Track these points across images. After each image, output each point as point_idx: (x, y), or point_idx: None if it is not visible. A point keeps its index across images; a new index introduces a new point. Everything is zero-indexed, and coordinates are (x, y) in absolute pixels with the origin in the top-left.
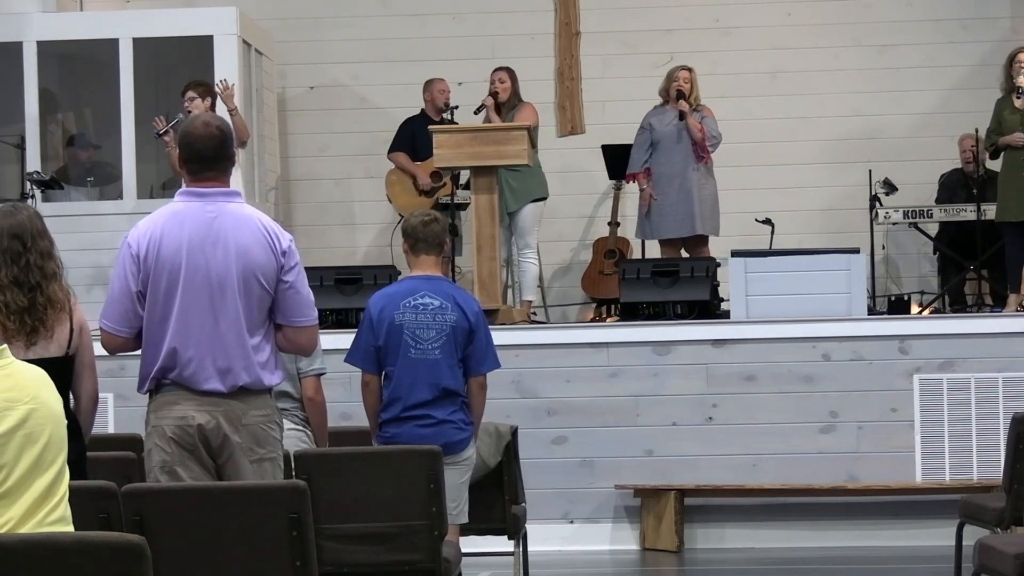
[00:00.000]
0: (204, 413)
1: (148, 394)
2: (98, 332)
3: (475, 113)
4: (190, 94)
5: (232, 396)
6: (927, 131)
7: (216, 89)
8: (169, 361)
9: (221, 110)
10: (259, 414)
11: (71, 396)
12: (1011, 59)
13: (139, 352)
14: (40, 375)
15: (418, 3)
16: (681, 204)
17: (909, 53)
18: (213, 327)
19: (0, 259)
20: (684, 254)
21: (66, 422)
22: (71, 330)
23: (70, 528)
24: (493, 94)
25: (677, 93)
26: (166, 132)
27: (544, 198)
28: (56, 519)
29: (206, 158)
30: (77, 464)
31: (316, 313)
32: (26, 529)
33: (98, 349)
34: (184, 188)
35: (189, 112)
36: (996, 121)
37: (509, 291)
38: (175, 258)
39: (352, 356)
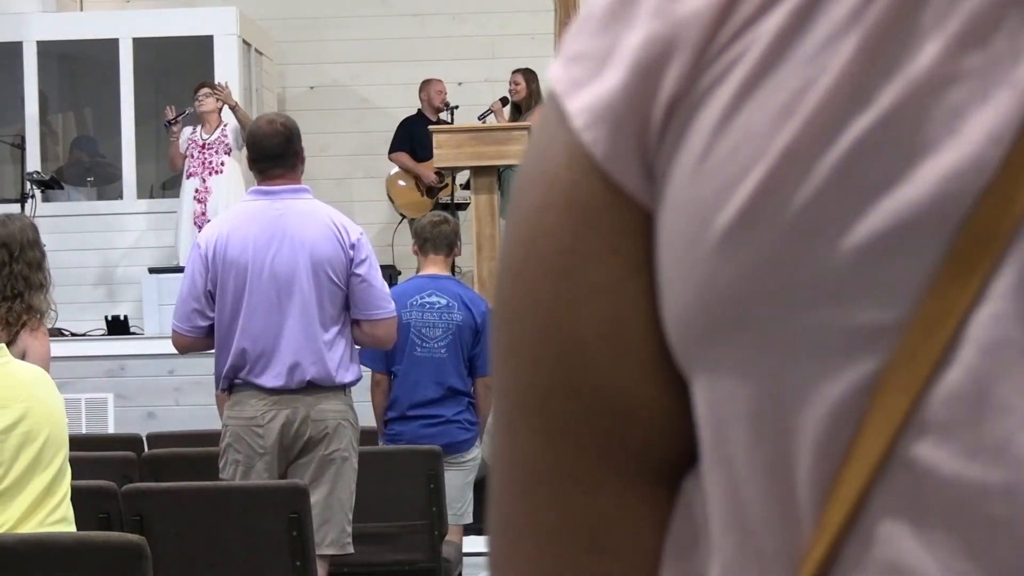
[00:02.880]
0: (274, 410)
1: (224, 392)
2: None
3: (480, 119)
4: (204, 91)
5: (302, 392)
6: None
7: (215, 92)
8: (239, 360)
9: (225, 109)
10: (331, 410)
11: None
12: None
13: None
14: (38, 373)
15: (418, 3)
16: None
17: None
18: (280, 324)
19: None
20: None
21: (66, 422)
22: (8, 344)
23: (72, 529)
24: (504, 98)
25: None
26: (175, 121)
27: None
28: (57, 519)
29: (273, 155)
30: None
31: (393, 305)
32: (26, 529)
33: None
34: (253, 187)
35: (200, 105)
36: None
37: None
38: (241, 257)
39: (361, 355)
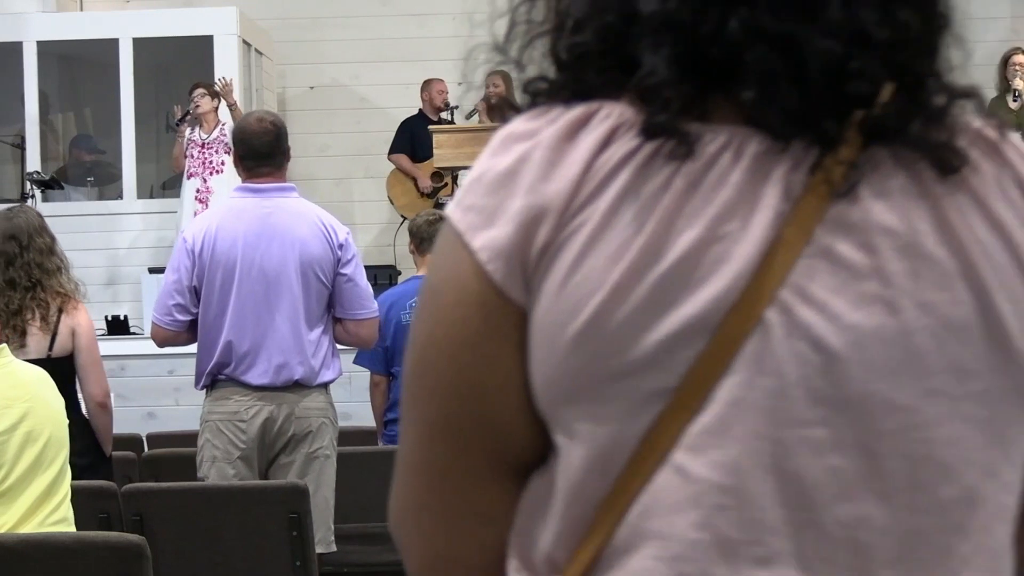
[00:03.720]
0: (257, 407)
1: (204, 390)
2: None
3: (467, 118)
4: (200, 90)
5: (286, 390)
6: None
7: (216, 87)
8: (225, 356)
9: (222, 108)
10: (315, 408)
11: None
12: (1005, 60)
13: (161, 350)
14: (40, 374)
15: (418, 3)
16: None
17: None
18: (269, 322)
19: None
20: None
21: (67, 422)
22: (54, 332)
23: (72, 529)
24: (486, 98)
25: None
26: (183, 120)
27: None
28: (58, 520)
29: (262, 154)
30: (93, 468)
31: (376, 305)
32: (27, 529)
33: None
34: (240, 185)
35: (197, 107)
36: None
37: None
38: (230, 253)
39: (360, 357)
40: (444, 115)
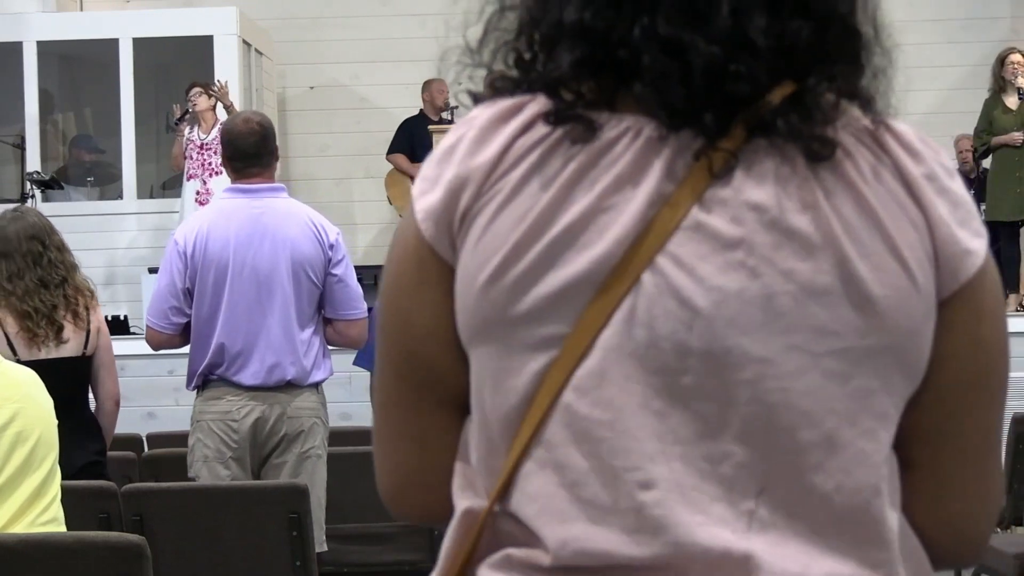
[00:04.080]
0: (249, 406)
1: (196, 390)
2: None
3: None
4: (196, 89)
5: (278, 390)
6: (927, 131)
7: (213, 89)
8: (217, 357)
9: (220, 109)
10: (306, 408)
11: (93, 398)
12: (1001, 60)
13: (183, 350)
14: (30, 375)
15: (418, 3)
16: None
17: (909, 53)
18: (261, 322)
19: (22, 263)
20: None
21: (56, 423)
22: (88, 330)
23: (62, 529)
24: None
25: None
26: (182, 119)
27: None
28: (48, 520)
29: (249, 154)
30: (95, 464)
31: (366, 306)
32: (17, 529)
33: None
34: (230, 185)
35: (194, 106)
36: (986, 121)
37: None
38: (222, 254)
39: (360, 359)
40: (445, 115)
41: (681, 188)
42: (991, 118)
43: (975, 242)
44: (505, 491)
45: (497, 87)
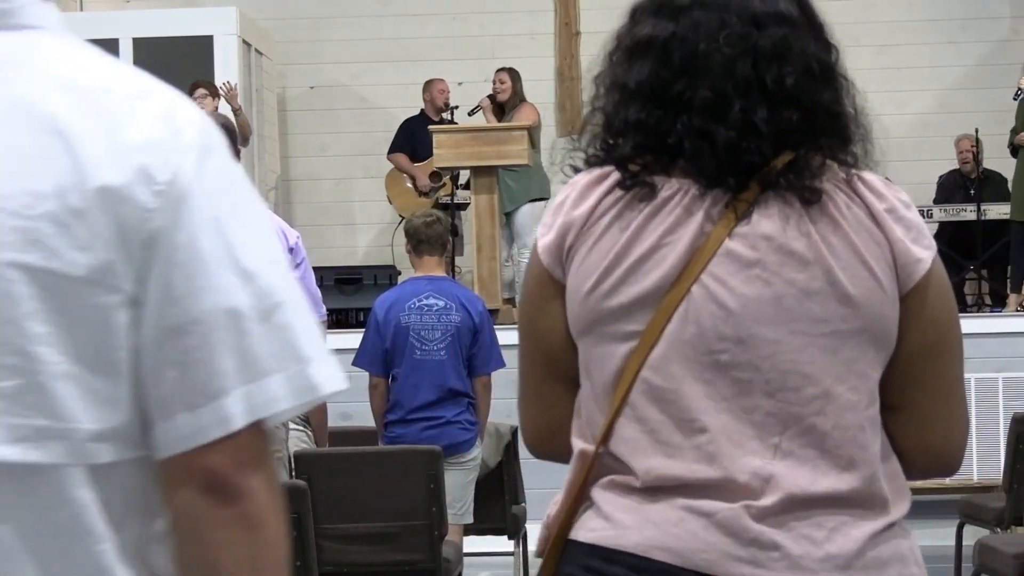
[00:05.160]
0: None
1: None
2: None
3: (469, 115)
4: (200, 91)
5: None
6: (927, 131)
7: (220, 91)
8: None
9: (224, 109)
10: None
11: None
12: None
13: None
14: None
15: (418, 3)
16: None
17: (909, 53)
18: None
19: None
20: None
21: None
22: None
23: None
24: (491, 95)
25: None
26: None
27: (544, 198)
28: None
29: None
30: None
31: (324, 309)
32: None
33: None
34: None
35: (201, 107)
36: (1020, 120)
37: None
38: None
39: (360, 359)
40: (445, 115)
41: (716, 228)
42: (1019, 116)
43: (924, 253)
44: (606, 437)
45: (590, 162)
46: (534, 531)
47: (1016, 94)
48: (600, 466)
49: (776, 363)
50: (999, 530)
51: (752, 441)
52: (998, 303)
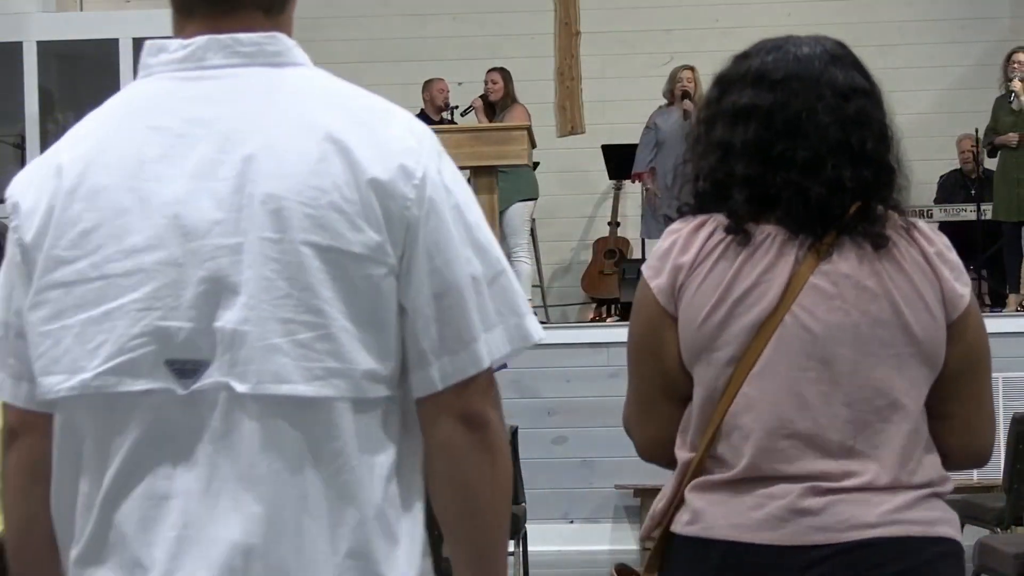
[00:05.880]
0: None
1: None
2: None
3: (462, 115)
4: None
5: None
6: (927, 131)
7: None
8: None
9: None
10: None
11: None
12: (1008, 58)
13: None
14: None
15: (418, 3)
16: None
17: (909, 53)
18: None
19: None
20: None
21: None
22: None
23: None
24: (483, 95)
25: (682, 93)
26: None
27: (533, 198)
28: None
29: None
30: None
31: None
32: None
33: None
34: None
35: None
36: (993, 120)
37: None
38: None
39: None
40: (445, 115)
41: (803, 266)
42: (996, 117)
43: (964, 289)
44: (709, 443)
45: (681, 211)
46: (534, 531)
47: (1010, 98)
48: (699, 471)
49: (853, 379)
50: (999, 530)
51: (832, 443)
52: (998, 303)
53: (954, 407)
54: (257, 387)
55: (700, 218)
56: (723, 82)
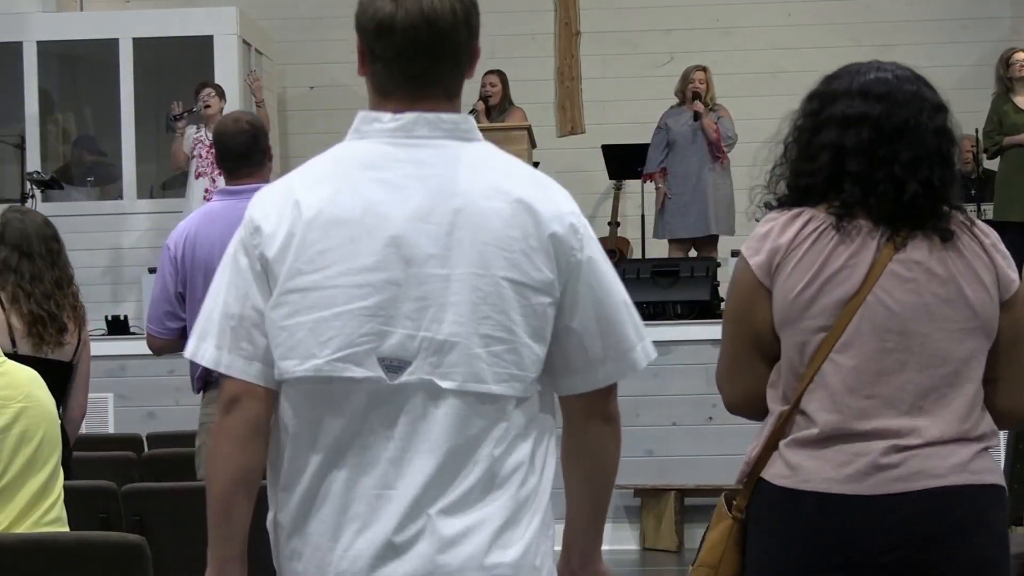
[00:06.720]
0: None
1: (200, 393)
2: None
3: None
4: (208, 91)
5: None
6: None
7: (246, 81)
8: None
9: (229, 108)
10: None
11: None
12: (1006, 61)
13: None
14: (33, 375)
15: None
16: (695, 204)
17: (909, 53)
18: None
19: (42, 264)
20: (693, 253)
21: (59, 423)
22: (79, 340)
23: (65, 529)
24: (484, 98)
25: (693, 94)
26: (181, 117)
27: None
28: (52, 519)
29: (239, 154)
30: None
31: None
32: (21, 529)
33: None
34: (221, 187)
35: (207, 106)
36: (995, 121)
37: None
38: (209, 256)
39: None
40: None
41: (883, 254)
42: (1000, 118)
43: (1015, 275)
44: (798, 401)
45: (781, 202)
46: None
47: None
48: (789, 425)
49: (924, 349)
50: None
51: (904, 404)
52: None
53: (1003, 371)
54: (462, 385)
55: (795, 210)
56: (821, 97)
